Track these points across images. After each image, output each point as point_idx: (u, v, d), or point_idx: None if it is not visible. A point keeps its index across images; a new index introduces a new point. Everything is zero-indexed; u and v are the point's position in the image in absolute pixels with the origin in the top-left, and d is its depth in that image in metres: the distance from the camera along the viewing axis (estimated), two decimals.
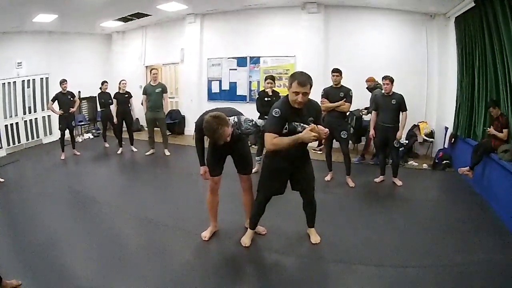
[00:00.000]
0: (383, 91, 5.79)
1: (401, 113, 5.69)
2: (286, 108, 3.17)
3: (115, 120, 8.33)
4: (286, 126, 3.16)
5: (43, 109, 9.74)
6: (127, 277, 3.33)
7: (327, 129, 3.07)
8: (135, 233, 4.38)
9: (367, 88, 7.33)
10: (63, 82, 7.72)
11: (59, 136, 8.00)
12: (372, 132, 5.98)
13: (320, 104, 3.31)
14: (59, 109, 7.76)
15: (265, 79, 6.36)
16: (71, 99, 7.95)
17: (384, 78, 5.68)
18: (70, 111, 7.87)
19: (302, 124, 3.14)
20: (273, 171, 3.52)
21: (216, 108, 3.61)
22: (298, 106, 3.12)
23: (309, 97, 3.16)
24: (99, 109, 9.42)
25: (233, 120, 3.44)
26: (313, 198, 3.71)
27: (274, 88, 6.28)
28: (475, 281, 3.19)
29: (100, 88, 8.70)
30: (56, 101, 7.73)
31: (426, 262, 3.50)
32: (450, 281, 3.19)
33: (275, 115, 3.15)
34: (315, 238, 3.84)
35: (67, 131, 7.96)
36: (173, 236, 4.16)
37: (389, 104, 5.67)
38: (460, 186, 5.95)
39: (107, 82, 8.75)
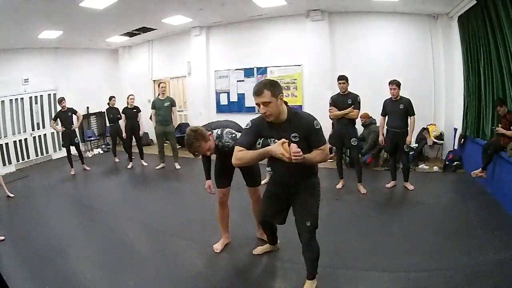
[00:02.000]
0: (391, 96, 5.73)
1: (409, 117, 5.66)
2: (260, 122, 2.84)
3: (124, 135, 8.38)
4: (260, 141, 2.82)
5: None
6: (137, 284, 3.37)
7: (300, 152, 2.53)
8: (145, 243, 4.43)
9: (362, 124, 7.53)
10: (61, 101, 7.83)
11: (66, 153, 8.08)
12: (381, 138, 5.96)
13: (314, 120, 2.76)
14: (61, 126, 7.86)
15: None
16: (72, 115, 8.03)
17: (391, 83, 5.64)
18: (72, 128, 7.95)
19: (276, 140, 2.70)
20: (268, 196, 3.20)
21: (212, 122, 3.76)
22: (268, 119, 2.73)
23: (302, 110, 2.94)
24: (108, 124, 9.47)
25: (217, 133, 3.48)
26: (310, 241, 2.93)
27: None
28: (487, 281, 3.15)
29: (108, 104, 8.78)
30: (58, 119, 7.85)
31: (438, 265, 3.47)
32: (462, 283, 3.15)
33: (245, 127, 2.90)
34: None
35: (73, 148, 8.03)
36: (185, 247, 4.17)
37: (397, 108, 5.65)
38: (471, 187, 5.91)
39: (114, 97, 8.83)
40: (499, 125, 5.17)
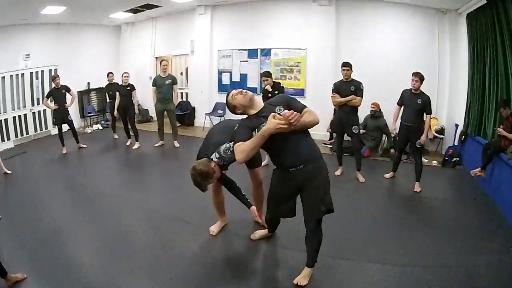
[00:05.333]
0: (411, 88, 5.47)
1: (425, 115, 5.45)
2: (246, 119, 2.94)
3: (115, 113, 8.36)
4: (254, 134, 2.77)
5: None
6: (134, 268, 3.39)
7: (294, 113, 2.61)
8: (142, 225, 4.43)
9: (371, 112, 7.47)
10: (55, 78, 7.62)
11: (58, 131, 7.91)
12: (394, 126, 5.84)
13: (287, 95, 3.04)
14: (54, 104, 7.70)
15: (261, 77, 6.22)
16: (66, 93, 7.81)
17: (414, 74, 5.39)
18: (65, 106, 7.76)
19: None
20: (274, 199, 3.12)
21: (208, 137, 3.76)
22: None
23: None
24: (108, 100, 9.41)
25: (215, 157, 3.43)
26: (316, 228, 2.99)
27: (273, 81, 6.18)
28: (481, 282, 3.19)
29: (107, 80, 8.71)
30: (51, 96, 7.69)
31: (432, 261, 3.49)
32: (456, 281, 3.18)
33: (236, 128, 2.92)
34: (303, 279, 3.08)
35: (66, 126, 7.87)
36: (181, 229, 4.18)
37: (414, 102, 5.40)
38: (469, 185, 5.89)
39: (112, 73, 8.76)
40: (501, 126, 5.13)
